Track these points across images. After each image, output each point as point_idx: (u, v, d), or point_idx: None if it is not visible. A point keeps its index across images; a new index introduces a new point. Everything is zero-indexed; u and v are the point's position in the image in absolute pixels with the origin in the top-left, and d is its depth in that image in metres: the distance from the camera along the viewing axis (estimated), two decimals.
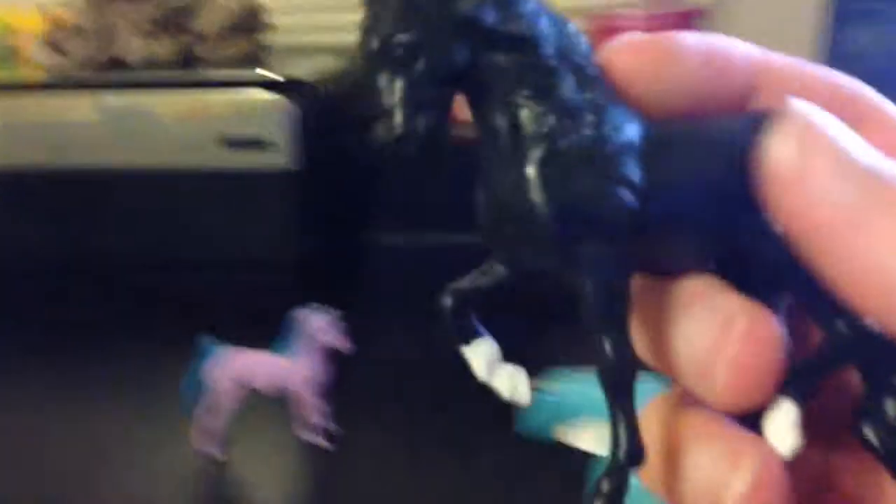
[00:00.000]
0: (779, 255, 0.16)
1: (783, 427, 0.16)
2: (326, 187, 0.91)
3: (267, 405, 0.67)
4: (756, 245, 0.17)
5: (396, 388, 0.77)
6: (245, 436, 0.67)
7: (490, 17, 0.16)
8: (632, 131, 0.17)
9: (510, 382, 0.18)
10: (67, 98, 0.87)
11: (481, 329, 0.18)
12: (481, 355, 0.18)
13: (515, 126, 0.17)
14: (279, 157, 0.83)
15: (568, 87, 0.17)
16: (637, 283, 0.18)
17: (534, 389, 0.49)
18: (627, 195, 0.16)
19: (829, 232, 0.15)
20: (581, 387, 0.54)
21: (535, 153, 0.16)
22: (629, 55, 0.18)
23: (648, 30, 0.19)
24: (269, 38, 1.01)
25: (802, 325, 0.18)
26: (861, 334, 0.16)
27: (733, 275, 0.17)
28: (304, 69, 0.91)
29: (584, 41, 0.18)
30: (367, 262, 1.02)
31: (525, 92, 0.17)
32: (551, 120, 0.17)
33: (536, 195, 0.16)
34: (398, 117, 0.16)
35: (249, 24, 0.97)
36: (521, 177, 0.17)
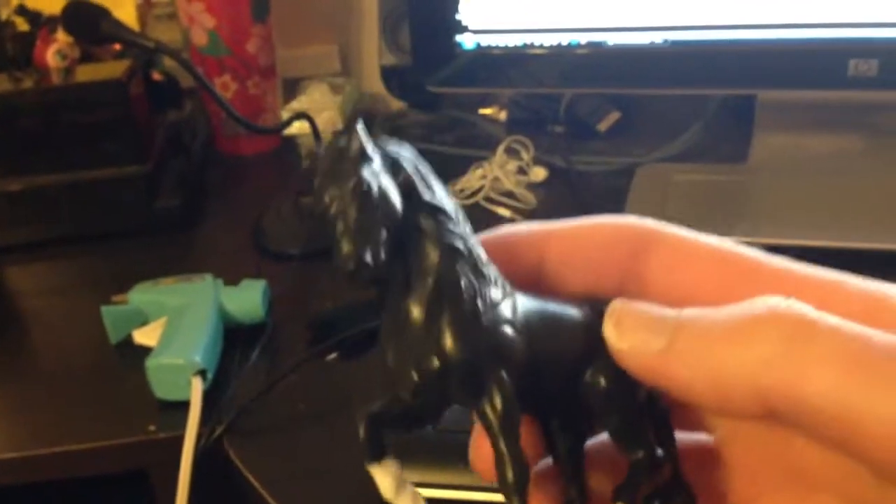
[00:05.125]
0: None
1: None
2: None
3: None
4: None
5: None
6: None
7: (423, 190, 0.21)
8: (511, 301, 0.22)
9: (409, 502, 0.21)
10: None
11: (389, 450, 0.21)
12: (389, 475, 0.21)
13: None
14: None
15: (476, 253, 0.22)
16: None
17: (121, 302, 0.63)
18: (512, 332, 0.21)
19: (655, 371, 0.22)
20: (155, 296, 0.65)
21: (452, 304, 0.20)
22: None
23: None
24: None
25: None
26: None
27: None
28: None
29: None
30: None
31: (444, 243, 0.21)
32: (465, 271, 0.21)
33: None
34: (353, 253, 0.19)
35: None
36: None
